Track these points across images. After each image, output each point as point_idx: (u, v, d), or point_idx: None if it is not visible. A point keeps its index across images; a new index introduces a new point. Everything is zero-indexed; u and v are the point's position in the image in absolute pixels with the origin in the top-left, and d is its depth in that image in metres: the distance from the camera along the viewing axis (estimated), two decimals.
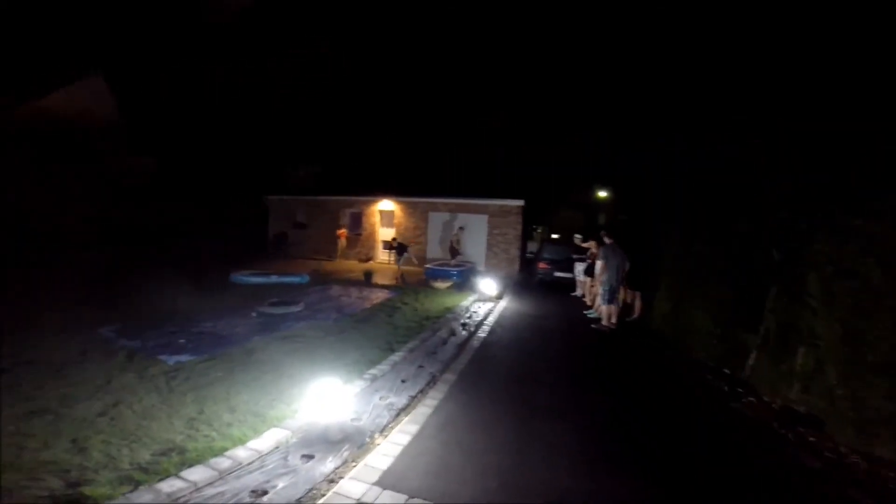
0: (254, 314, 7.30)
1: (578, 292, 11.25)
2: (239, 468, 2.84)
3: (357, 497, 2.65)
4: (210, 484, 2.63)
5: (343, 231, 17.86)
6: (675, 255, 7.86)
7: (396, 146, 21.20)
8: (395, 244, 15.06)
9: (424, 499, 2.67)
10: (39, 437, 3.01)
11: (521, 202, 15.57)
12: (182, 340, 5.75)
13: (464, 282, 12.21)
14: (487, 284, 10.17)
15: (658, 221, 9.81)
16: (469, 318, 7.99)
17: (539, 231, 28.12)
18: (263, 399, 3.96)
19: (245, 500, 2.50)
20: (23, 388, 3.82)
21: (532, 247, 21.92)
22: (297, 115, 20.81)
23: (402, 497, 2.67)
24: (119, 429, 3.24)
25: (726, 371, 5.72)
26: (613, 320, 7.83)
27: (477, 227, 15.99)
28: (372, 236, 17.94)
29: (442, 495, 2.71)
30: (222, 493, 2.54)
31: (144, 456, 2.89)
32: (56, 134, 14.25)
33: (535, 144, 20.99)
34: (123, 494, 2.40)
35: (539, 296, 11.22)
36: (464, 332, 6.92)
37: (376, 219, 17.88)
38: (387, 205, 17.61)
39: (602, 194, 20.54)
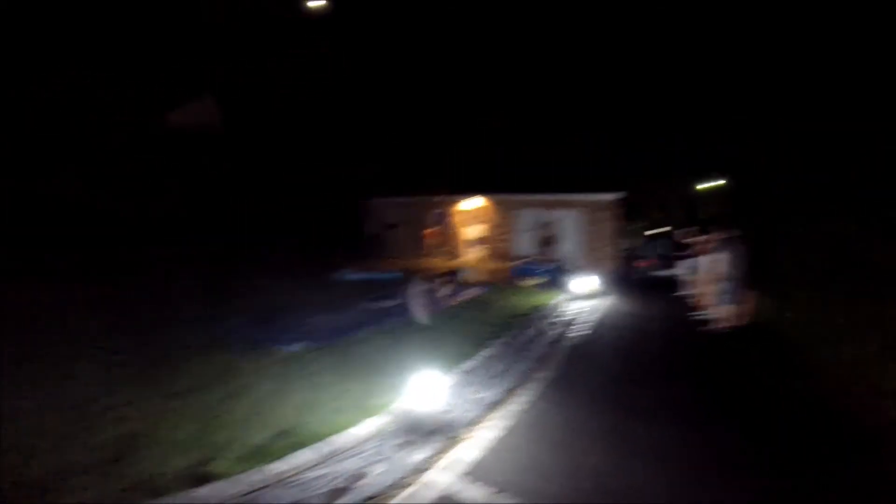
0: (360, 308, 7.63)
1: (682, 291, 10.28)
2: (340, 453, 3.00)
3: (444, 487, 2.68)
4: (314, 467, 2.81)
5: (430, 230, 18.32)
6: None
7: (483, 142, 21.16)
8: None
9: (512, 494, 2.61)
10: (173, 419, 3.35)
11: (617, 196, 14.66)
12: (296, 332, 6.25)
13: (553, 280, 11.83)
14: (580, 282, 9.74)
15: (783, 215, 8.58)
16: (561, 316, 7.72)
17: (638, 226, 26.34)
18: (365, 388, 4.14)
19: (342, 485, 2.62)
20: (161, 375, 4.29)
21: (629, 243, 20.63)
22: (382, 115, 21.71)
23: (489, 490, 2.65)
24: (241, 412, 3.54)
25: None
26: (728, 322, 7.04)
27: (569, 222, 15.38)
28: (459, 234, 18.12)
29: (530, 492, 2.64)
30: (324, 476, 2.70)
31: (260, 438, 3.12)
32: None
33: (636, 132, 19.74)
34: (240, 473, 2.62)
35: (637, 295, 10.51)
36: (556, 331, 6.70)
37: (464, 217, 18.02)
38: (473, 203, 17.63)
39: (708, 185, 18.58)
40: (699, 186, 18.86)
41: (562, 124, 20.52)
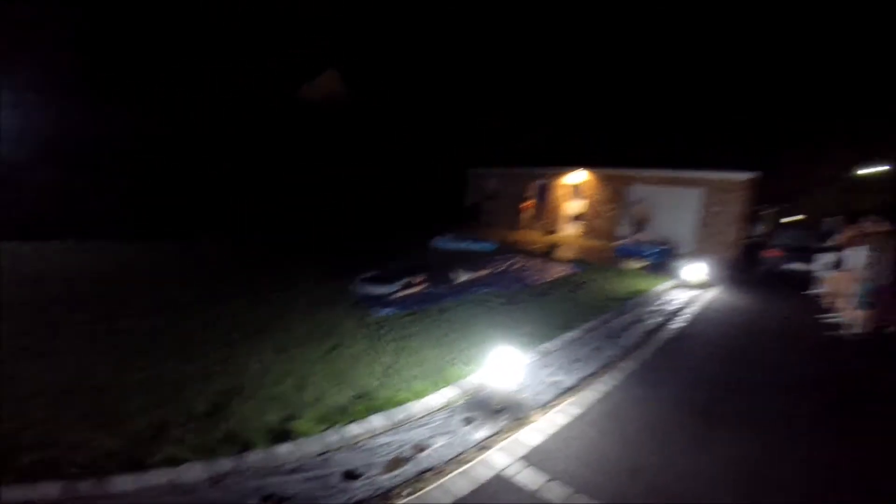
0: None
1: (816, 290, 8.72)
2: (411, 420, 3.15)
3: (500, 468, 2.68)
4: (385, 432, 2.98)
5: (530, 202, 17.83)
6: None
7: (599, 112, 19.73)
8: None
9: (566, 484, 2.55)
10: (275, 374, 3.73)
11: (749, 175, 12.81)
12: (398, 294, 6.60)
13: (662, 264, 10.89)
14: (692, 269, 8.84)
15: None
16: (664, 305, 7.08)
17: (772, 212, 22.89)
18: (446, 356, 4.29)
19: (406, 454, 2.76)
20: (277, 332, 4.77)
21: (761, 230, 18.01)
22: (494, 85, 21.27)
23: (543, 477, 2.60)
24: (334, 369, 3.86)
25: None
26: (867, 328, 5.88)
27: (687, 203, 13.86)
28: (558, 208, 17.39)
29: (585, 484, 2.56)
30: (391, 444, 2.86)
31: (345, 398, 3.38)
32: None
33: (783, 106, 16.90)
34: (318, 433, 2.86)
35: (761, 289, 9.19)
36: (655, 320, 6.17)
37: (564, 191, 17.20)
38: (576, 177, 16.70)
39: (870, 171, 15.22)
40: (859, 172, 15.56)
41: (689, 91, 18.30)
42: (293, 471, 2.50)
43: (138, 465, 2.41)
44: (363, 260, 8.72)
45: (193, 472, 2.40)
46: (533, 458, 2.77)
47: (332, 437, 2.82)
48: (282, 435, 2.81)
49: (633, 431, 3.22)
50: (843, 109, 16.38)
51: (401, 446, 2.82)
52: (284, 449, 2.66)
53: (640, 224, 12.54)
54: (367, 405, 3.25)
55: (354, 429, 2.93)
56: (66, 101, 11.00)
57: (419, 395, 3.46)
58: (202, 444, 2.66)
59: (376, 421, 3.04)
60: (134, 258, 8.01)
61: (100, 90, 11.65)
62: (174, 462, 2.46)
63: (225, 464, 2.48)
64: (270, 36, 16.19)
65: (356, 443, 2.83)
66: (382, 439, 2.89)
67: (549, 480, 2.57)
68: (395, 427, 3.04)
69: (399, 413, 3.17)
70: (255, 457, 2.57)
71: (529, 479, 2.59)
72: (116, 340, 4.20)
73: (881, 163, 14.71)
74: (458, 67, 21.64)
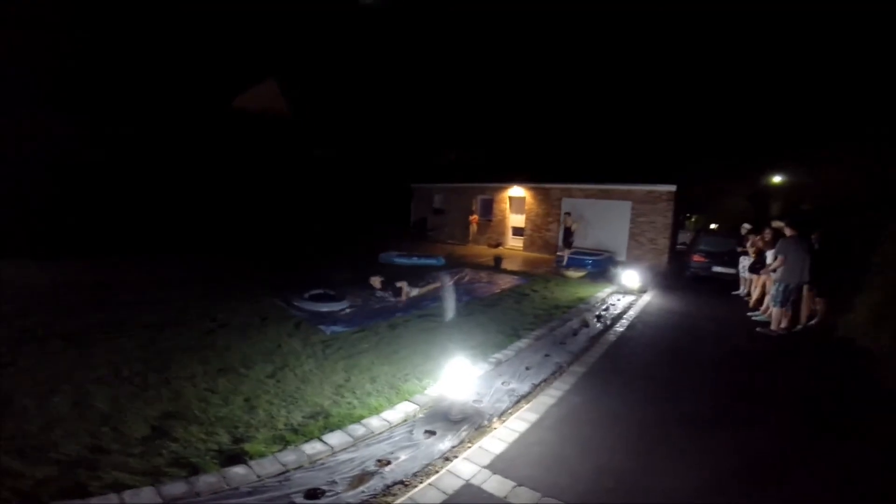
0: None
1: (742, 291, 9.65)
2: (370, 437, 3.09)
3: (467, 477, 2.69)
4: (345, 449, 2.91)
5: (475, 217, 18.29)
6: None
7: (532, 130, 20.74)
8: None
9: (532, 488, 2.60)
10: (222, 394, 3.58)
11: (672, 187, 13.92)
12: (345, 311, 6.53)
13: (600, 272, 11.48)
14: (628, 276, 9.39)
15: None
16: (605, 310, 7.49)
17: (693, 220, 24.97)
18: (399, 372, 4.26)
19: (370, 469, 2.71)
20: (217, 348, 4.61)
21: (685, 237, 19.55)
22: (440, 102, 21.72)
23: (510, 483, 2.64)
24: (282, 390, 3.73)
25: None
26: (784, 325, 6.58)
27: (619, 214, 14.79)
28: (502, 222, 17.97)
29: (551, 487, 2.62)
30: (353, 460, 2.79)
31: (297, 417, 3.28)
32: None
33: (689, 122, 18.61)
34: (273, 454, 2.75)
35: (691, 292, 9.95)
36: (598, 325, 6.51)
37: (506, 205, 17.83)
38: (517, 191, 17.39)
39: (776, 180, 17.16)
40: (772, 180, 17.47)
41: (616, 111, 19.71)
42: (250, 493, 2.38)
43: (81, 492, 2.23)
44: (308, 277, 8.52)
45: (143, 496, 2.23)
46: (498, 466, 2.80)
47: (289, 456, 2.72)
48: (234, 457, 2.68)
49: (592, 432, 3.35)
50: (751, 124, 18.39)
51: (363, 462, 2.76)
52: (239, 471, 2.53)
53: (567, 235, 13.12)
54: (322, 423, 3.16)
55: (314, 447, 2.84)
56: None
57: (376, 410, 3.42)
58: (147, 468, 2.49)
59: (335, 438, 2.96)
60: (75, 277, 7.69)
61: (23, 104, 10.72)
62: (120, 487, 2.28)
63: (177, 487, 2.32)
64: (203, 44, 15.60)
65: (316, 461, 2.74)
66: (343, 456, 2.82)
67: (517, 486, 2.60)
68: (356, 443, 2.97)
69: (358, 429, 3.11)
70: (208, 479, 2.42)
71: (497, 486, 2.61)
72: (44, 361, 3.93)
73: (783, 172, 16.64)
74: (396, 81, 21.89)
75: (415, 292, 7.82)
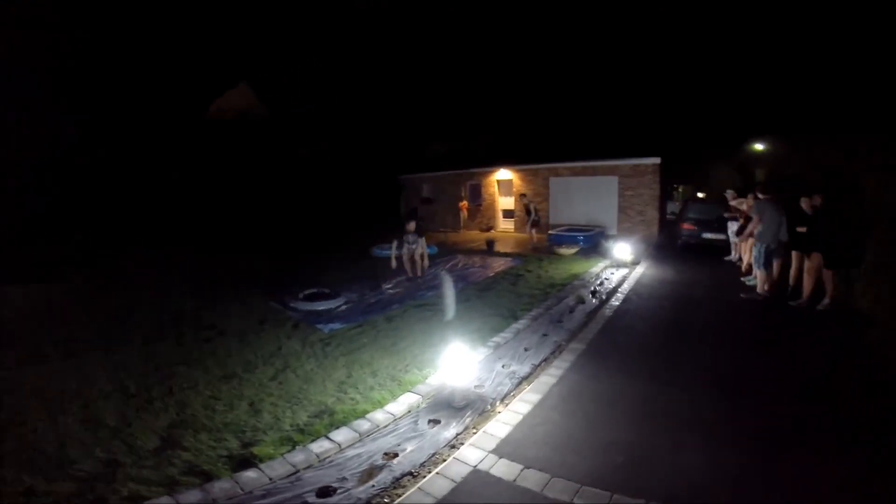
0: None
1: (734, 256, 9.75)
2: (376, 430, 3.12)
3: (474, 463, 2.73)
4: (352, 445, 2.94)
5: (465, 203, 18.29)
6: None
7: (516, 111, 20.64)
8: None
9: (540, 469, 2.63)
10: (226, 400, 3.60)
11: (657, 160, 14.00)
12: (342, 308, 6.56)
13: (592, 247, 11.58)
14: (620, 249, 9.48)
15: None
16: (600, 285, 7.56)
17: (681, 190, 25.09)
18: (400, 364, 4.29)
19: (378, 462, 2.74)
20: (218, 355, 4.62)
21: (673, 207, 19.69)
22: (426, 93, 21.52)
23: (518, 466, 2.67)
24: (285, 391, 3.75)
25: None
26: (766, 287, 6.66)
27: (606, 189, 14.88)
28: (492, 206, 17.98)
29: (559, 466, 2.65)
30: (360, 455, 2.83)
31: (302, 417, 3.31)
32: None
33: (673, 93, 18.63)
34: (283, 455, 2.78)
35: (683, 261, 10.04)
36: (594, 301, 6.58)
37: (495, 189, 17.81)
38: (505, 174, 17.36)
39: (759, 147, 17.27)
40: (754, 147, 17.55)
41: (598, 87, 19.66)
42: (264, 495, 2.41)
43: None
44: (302, 276, 8.51)
45: None
46: (504, 450, 2.83)
47: (298, 456, 2.75)
48: (244, 462, 2.71)
49: (595, 408, 3.39)
50: (734, 93, 18.45)
51: (371, 456, 2.80)
52: (251, 474, 2.56)
53: (529, 213, 13.25)
54: (328, 421, 3.20)
55: (320, 446, 2.87)
56: None
57: (380, 404, 3.45)
58: (162, 478, 2.53)
59: (341, 435, 3.00)
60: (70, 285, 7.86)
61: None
62: (138, 499, 2.33)
63: (193, 495, 2.35)
64: (178, 50, 15.29)
65: (324, 459, 2.78)
66: (350, 452, 2.86)
67: (525, 469, 2.63)
68: (362, 438, 3.01)
69: (363, 424, 3.14)
70: (222, 485, 2.46)
71: (505, 470, 2.64)
72: (52, 380, 3.97)
73: (764, 140, 16.73)
74: (379, 75, 21.61)
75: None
